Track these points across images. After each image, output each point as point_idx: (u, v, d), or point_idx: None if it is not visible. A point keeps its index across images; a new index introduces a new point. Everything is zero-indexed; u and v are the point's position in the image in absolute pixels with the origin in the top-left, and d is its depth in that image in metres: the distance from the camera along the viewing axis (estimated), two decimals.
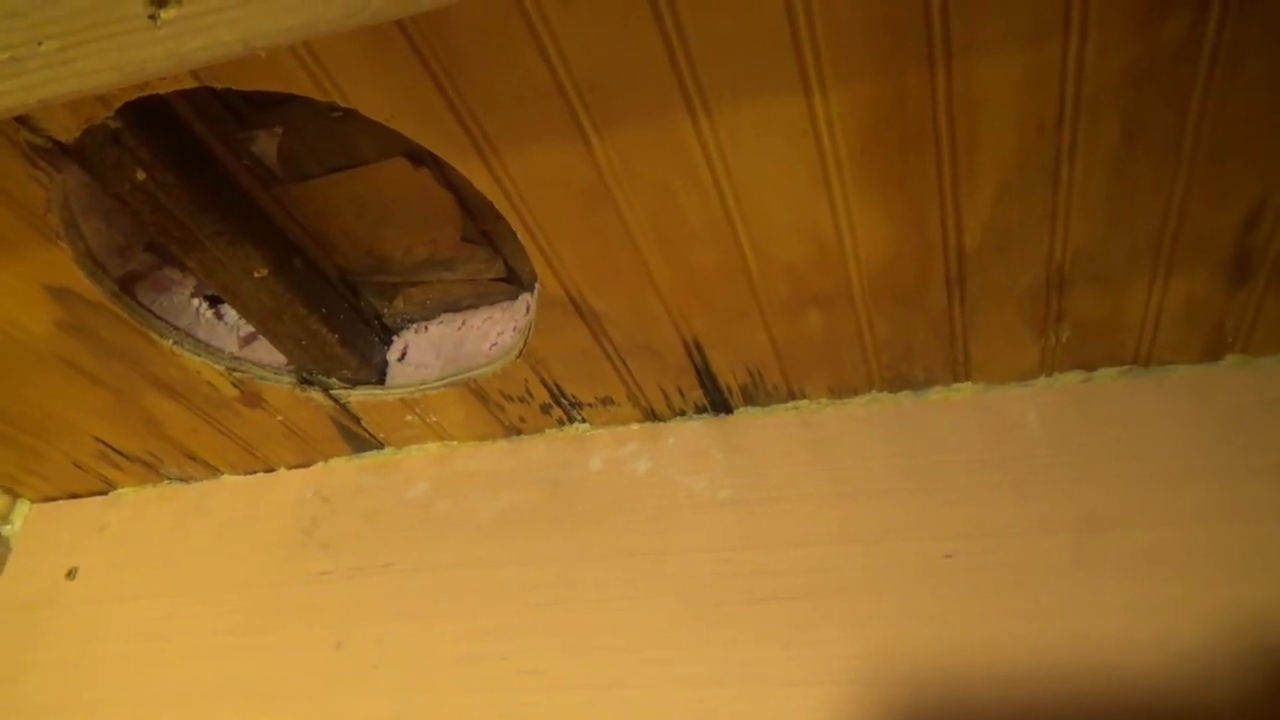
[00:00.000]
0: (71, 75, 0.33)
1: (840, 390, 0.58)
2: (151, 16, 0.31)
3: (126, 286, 0.56)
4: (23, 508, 0.79)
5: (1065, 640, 0.48)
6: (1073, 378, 0.54)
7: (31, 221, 0.50)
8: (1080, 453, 0.53)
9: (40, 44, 0.32)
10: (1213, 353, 0.52)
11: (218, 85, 0.40)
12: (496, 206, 0.46)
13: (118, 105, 0.43)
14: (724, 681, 0.52)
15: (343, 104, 0.41)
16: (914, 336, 0.53)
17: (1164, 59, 0.37)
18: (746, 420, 0.60)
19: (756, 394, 0.59)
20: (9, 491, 0.78)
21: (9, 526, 0.78)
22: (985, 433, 0.55)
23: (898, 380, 0.56)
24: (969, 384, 0.56)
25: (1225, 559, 0.48)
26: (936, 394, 0.57)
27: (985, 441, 0.55)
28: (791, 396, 0.59)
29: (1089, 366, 0.54)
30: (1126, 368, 0.54)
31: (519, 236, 0.48)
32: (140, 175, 0.47)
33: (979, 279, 0.48)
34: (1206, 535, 0.49)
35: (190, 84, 0.41)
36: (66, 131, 0.44)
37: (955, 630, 0.50)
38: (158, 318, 0.58)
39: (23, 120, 0.43)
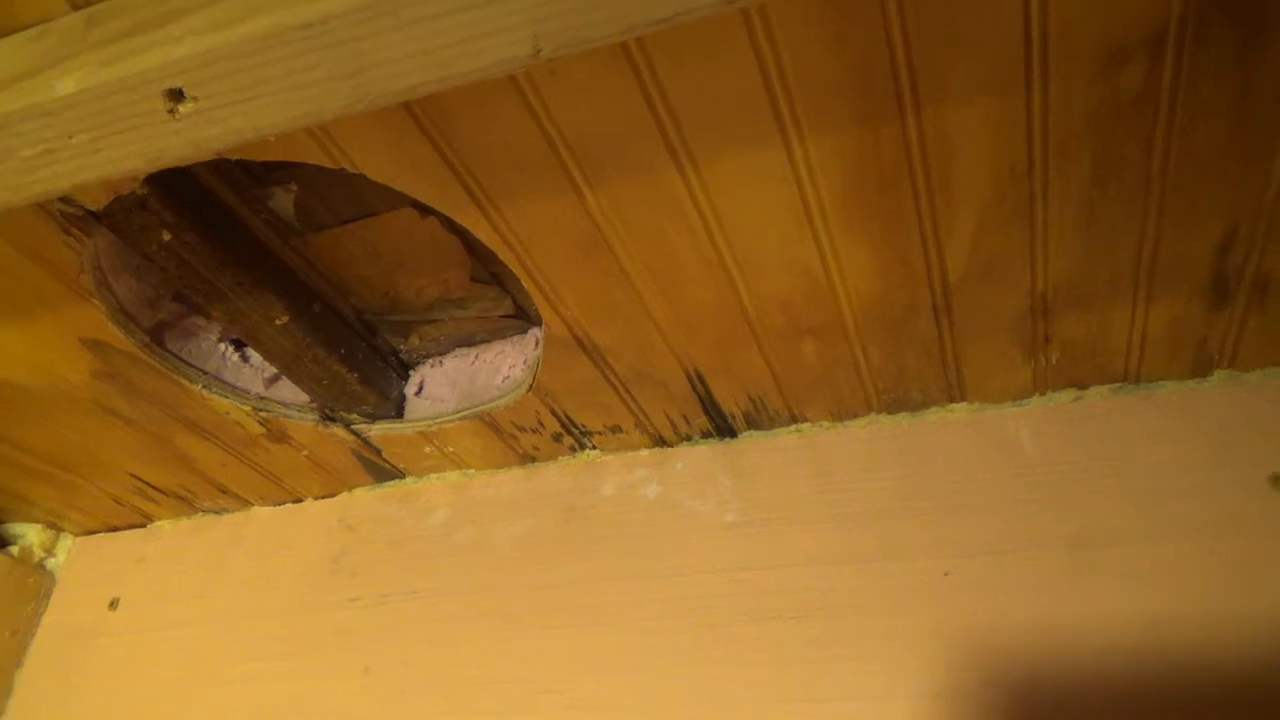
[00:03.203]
0: (100, 164, 0.36)
1: (840, 413, 0.60)
2: (171, 111, 0.34)
3: (156, 336, 0.59)
4: (65, 541, 0.82)
5: (1063, 654, 0.49)
6: (1065, 396, 0.56)
7: (66, 281, 0.53)
8: (1074, 469, 0.54)
9: (71, 137, 0.35)
10: (1201, 369, 0.53)
11: (234, 157, 0.43)
12: (499, 255, 0.48)
13: (143, 175, 0.46)
14: (735, 699, 0.54)
15: (351, 170, 0.43)
16: (907, 362, 0.54)
17: (1125, 104, 0.38)
18: (751, 444, 0.62)
19: (759, 419, 0.61)
20: (52, 526, 0.81)
21: (53, 559, 0.81)
22: (981, 452, 0.56)
23: (895, 403, 0.58)
24: (964, 404, 0.58)
25: (1219, 573, 0.49)
26: (933, 415, 0.58)
27: (981, 460, 0.56)
28: (794, 420, 0.61)
29: (1081, 385, 0.55)
30: (1118, 385, 0.55)
31: (521, 281, 0.50)
32: (166, 236, 0.49)
33: (965, 308, 0.50)
34: (1201, 549, 0.50)
35: (209, 157, 0.43)
36: (96, 201, 0.47)
37: (956, 645, 0.51)
38: (187, 363, 0.61)
39: None
